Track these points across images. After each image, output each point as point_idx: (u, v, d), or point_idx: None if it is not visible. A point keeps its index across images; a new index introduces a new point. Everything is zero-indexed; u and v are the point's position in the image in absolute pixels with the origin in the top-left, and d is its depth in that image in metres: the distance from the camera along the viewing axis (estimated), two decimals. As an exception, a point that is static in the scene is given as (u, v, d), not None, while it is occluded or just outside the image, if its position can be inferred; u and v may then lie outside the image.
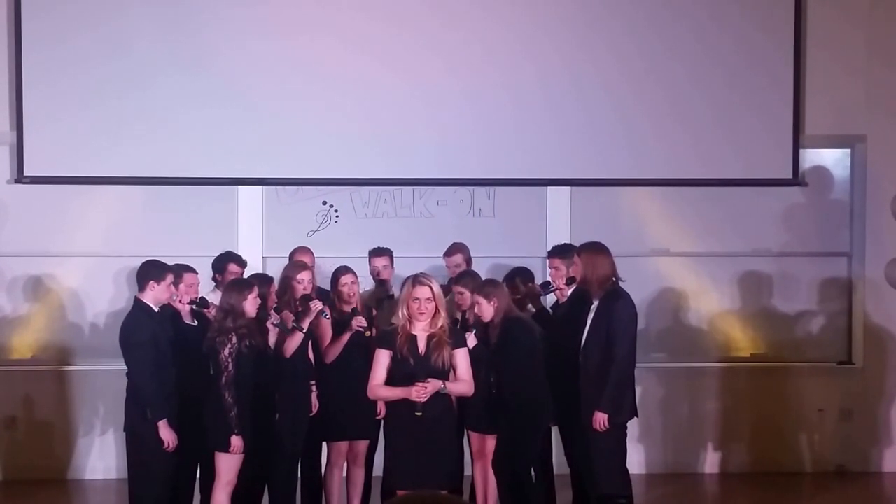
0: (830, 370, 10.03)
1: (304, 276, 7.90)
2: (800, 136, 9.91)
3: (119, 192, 9.66)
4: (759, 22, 9.83)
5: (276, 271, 8.35)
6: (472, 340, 7.36)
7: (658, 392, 9.92)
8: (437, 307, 6.80)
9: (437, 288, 6.86)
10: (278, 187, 9.77)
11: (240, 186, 9.70)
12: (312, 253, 8.55)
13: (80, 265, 9.67)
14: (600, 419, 7.40)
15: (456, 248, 8.75)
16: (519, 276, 8.27)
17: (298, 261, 8.24)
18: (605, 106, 9.76)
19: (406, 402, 6.75)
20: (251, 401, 7.36)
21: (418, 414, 6.71)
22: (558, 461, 8.35)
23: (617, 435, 7.53)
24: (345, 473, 8.09)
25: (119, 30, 9.48)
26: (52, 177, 9.55)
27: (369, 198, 9.83)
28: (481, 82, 9.67)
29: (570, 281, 7.99)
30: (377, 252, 8.57)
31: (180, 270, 7.81)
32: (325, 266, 8.85)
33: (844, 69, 9.94)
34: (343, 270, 8.02)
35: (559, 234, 9.53)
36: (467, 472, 7.72)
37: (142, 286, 7.50)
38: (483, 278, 8.09)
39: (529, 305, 8.19)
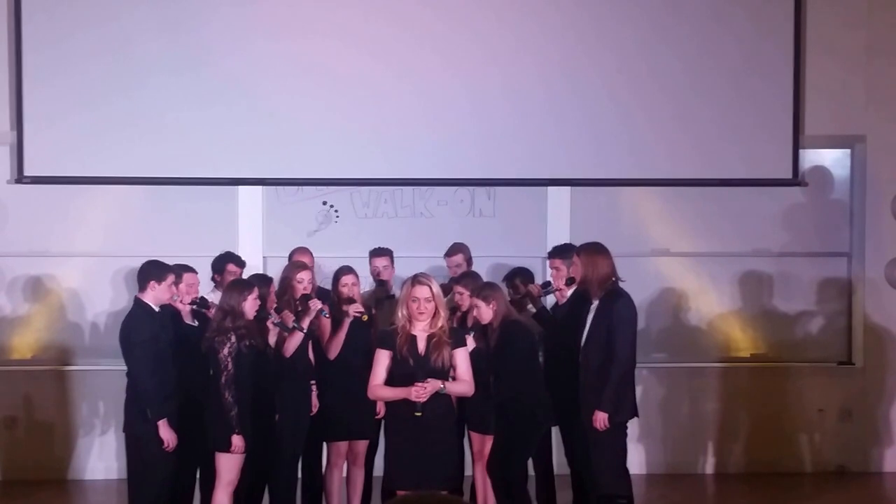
0: (830, 370, 10.03)
1: (303, 275, 7.91)
2: (800, 136, 9.91)
3: (119, 192, 9.66)
4: (759, 22, 9.83)
5: (276, 271, 8.35)
6: (471, 343, 7.36)
7: (658, 392, 9.93)
8: (436, 307, 6.80)
9: (436, 288, 6.85)
10: (278, 187, 9.77)
11: (240, 186, 9.70)
12: (311, 253, 8.55)
13: (80, 265, 9.67)
14: (601, 418, 7.40)
15: (456, 249, 8.75)
16: (519, 277, 8.27)
17: (298, 261, 8.25)
18: (605, 106, 9.76)
19: (406, 403, 6.74)
20: (251, 401, 7.36)
21: (418, 414, 6.71)
22: (558, 461, 8.35)
23: (617, 435, 7.53)
24: (344, 474, 8.09)
25: (119, 30, 9.48)
26: (52, 177, 9.55)
27: (369, 198, 9.84)
28: (482, 82, 9.67)
29: (569, 281, 8.00)
30: (377, 252, 8.57)
31: (181, 270, 7.81)
32: (326, 266, 8.87)
33: (844, 69, 9.94)
34: (345, 271, 8.02)
35: (559, 234, 9.54)
36: (468, 472, 7.72)
37: (143, 286, 7.50)
38: (483, 279, 8.09)
39: (529, 306, 8.19)
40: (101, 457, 9.64)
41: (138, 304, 7.51)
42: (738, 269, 10.02)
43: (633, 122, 9.78)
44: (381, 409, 7.64)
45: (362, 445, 8.03)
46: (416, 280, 6.86)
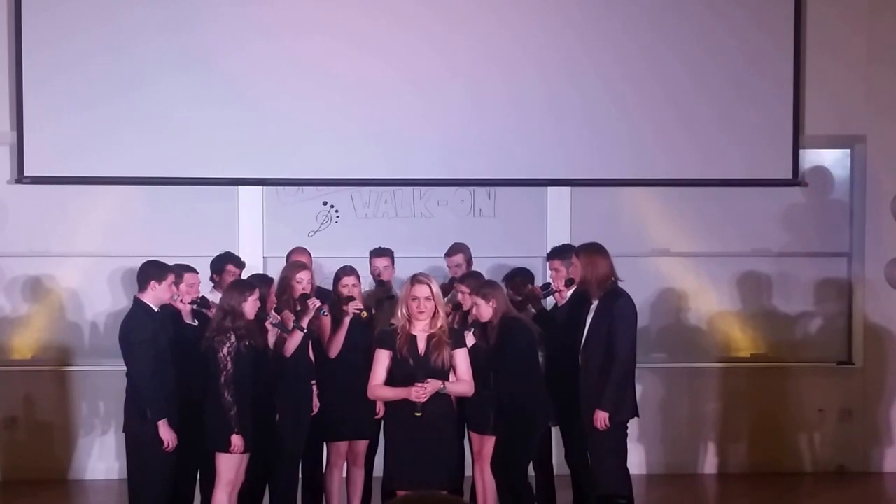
0: (830, 370, 10.03)
1: (302, 275, 7.91)
2: (800, 136, 9.91)
3: (119, 192, 9.66)
4: (759, 22, 9.83)
5: (276, 272, 8.34)
6: (470, 339, 7.36)
7: (658, 392, 9.92)
8: (436, 306, 6.80)
9: (436, 287, 6.86)
10: (278, 187, 9.77)
11: (240, 186, 9.70)
12: (310, 253, 8.55)
13: (80, 265, 9.67)
14: (601, 418, 7.40)
15: (457, 249, 8.75)
16: (519, 277, 8.27)
17: (297, 261, 8.24)
18: (605, 106, 9.76)
19: (406, 403, 6.74)
20: (252, 401, 7.36)
21: (418, 414, 6.71)
22: (558, 461, 8.35)
23: (617, 435, 7.53)
24: (344, 474, 8.09)
25: (119, 30, 9.48)
26: (52, 177, 9.55)
27: (370, 198, 9.84)
28: (482, 82, 9.67)
29: (568, 282, 8.00)
30: (378, 252, 8.56)
31: (181, 270, 7.81)
32: (326, 266, 8.87)
33: (844, 69, 9.94)
34: (346, 271, 8.00)
35: (560, 234, 9.54)
36: (468, 472, 7.71)
37: (143, 286, 7.50)
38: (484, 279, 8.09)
39: (529, 306, 8.19)
40: (101, 457, 9.64)
41: (138, 305, 7.50)
42: (738, 269, 10.02)
43: (634, 122, 9.78)
44: (380, 408, 7.64)
45: (362, 445, 8.02)
46: (415, 279, 6.86)
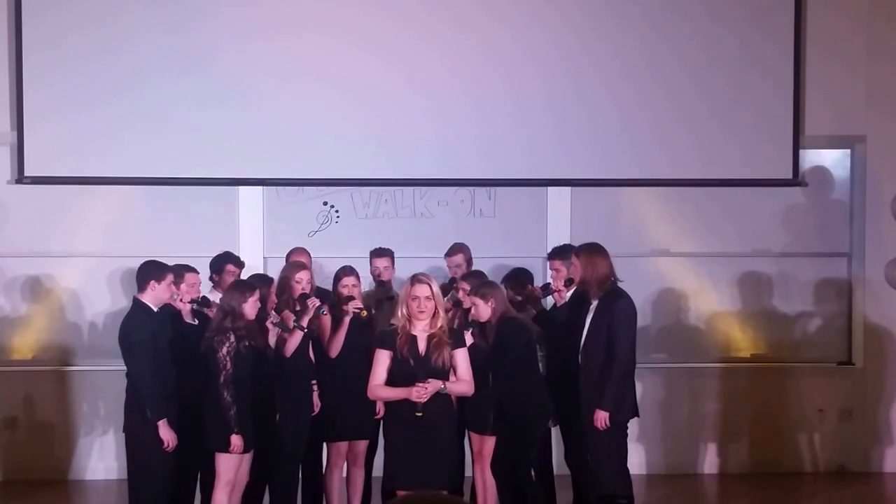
0: (830, 370, 10.03)
1: (302, 275, 7.91)
2: (800, 136, 9.91)
3: (119, 192, 9.66)
4: (759, 22, 9.83)
5: (276, 272, 8.34)
6: (469, 339, 7.36)
7: (658, 392, 9.92)
8: (436, 306, 6.80)
9: (436, 287, 6.86)
10: (279, 187, 9.77)
11: (240, 186, 9.70)
12: (309, 253, 8.55)
13: (80, 265, 9.67)
14: (601, 417, 7.40)
15: (457, 249, 8.75)
16: (519, 277, 8.27)
17: (296, 261, 8.25)
18: (605, 106, 9.76)
19: (406, 403, 6.74)
20: (252, 401, 7.36)
21: (418, 414, 6.71)
22: (558, 461, 8.35)
23: (617, 435, 7.53)
24: (344, 474, 8.09)
25: (119, 30, 9.47)
26: (52, 177, 9.55)
27: (370, 198, 9.83)
28: (482, 82, 9.67)
29: (568, 282, 8.00)
30: (378, 253, 8.57)
31: (181, 270, 7.81)
32: (326, 266, 8.87)
33: (844, 69, 9.94)
34: (346, 272, 8.00)
35: (560, 234, 9.54)
36: (468, 472, 7.72)
37: (142, 286, 7.50)
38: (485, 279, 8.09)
39: (529, 307, 8.18)
40: (101, 457, 9.64)
41: (137, 305, 7.50)
42: (738, 270, 10.02)
43: (634, 122, 9.78)
44: (380, 409, 7.64)
45: (362, 445, 8.02)
46: (415, 279, 6.86)
